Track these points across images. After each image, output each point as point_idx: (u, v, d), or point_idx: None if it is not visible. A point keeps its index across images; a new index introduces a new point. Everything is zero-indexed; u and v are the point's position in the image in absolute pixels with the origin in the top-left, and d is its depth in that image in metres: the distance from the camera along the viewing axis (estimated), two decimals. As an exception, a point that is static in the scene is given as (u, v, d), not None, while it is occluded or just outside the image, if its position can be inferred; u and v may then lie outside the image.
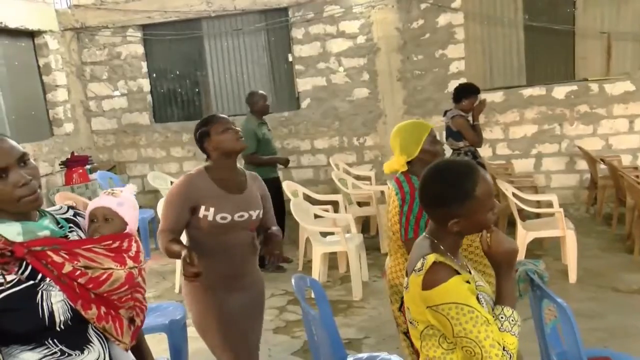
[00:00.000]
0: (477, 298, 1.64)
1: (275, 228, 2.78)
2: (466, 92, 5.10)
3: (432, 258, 1.64)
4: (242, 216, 2.61)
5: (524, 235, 4.94)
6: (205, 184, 2.60)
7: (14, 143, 1.55)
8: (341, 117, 7.52)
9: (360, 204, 6.63)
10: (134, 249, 1.73)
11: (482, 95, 5.06)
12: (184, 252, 2.30)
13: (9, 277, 1.49)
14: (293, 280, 2.90)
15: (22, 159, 1.54)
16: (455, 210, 1.66)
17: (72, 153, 7.01)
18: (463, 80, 6.88)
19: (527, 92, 7.05)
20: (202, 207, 2.55)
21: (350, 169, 7.32)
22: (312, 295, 3.31)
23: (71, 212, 1.76)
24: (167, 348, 3.40)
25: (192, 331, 4.04)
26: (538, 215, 5.85)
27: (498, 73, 7.25)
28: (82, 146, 7.78)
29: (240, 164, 2.88)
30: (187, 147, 7.86)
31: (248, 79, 7.78)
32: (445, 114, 5.26)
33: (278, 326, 4.42)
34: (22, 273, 1.51)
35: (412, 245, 2.44)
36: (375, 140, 7.51)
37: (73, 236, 1.68)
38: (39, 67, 7.34)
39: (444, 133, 5.26)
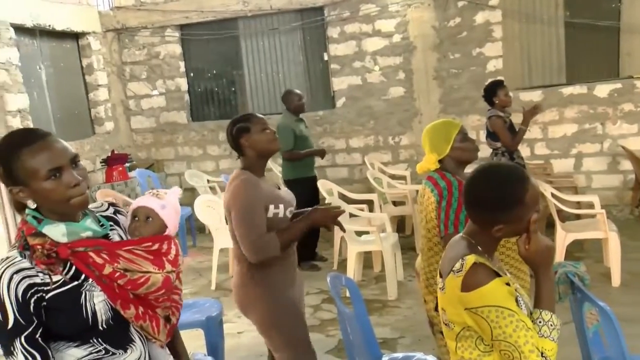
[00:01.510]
0: (517, 301, 1.61)
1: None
2: (493, 89, 4.98)
3: (472, 259, 1.61)
4: (291, 210, 2.69)
5: (564, 237, 4.83)
6: (261, 183, 2.61)
7: (65, 144, 1.59)
8: (376, 116, 7.48)
9: (395, 204, 6.60)
10: (173, 252, 1.75)
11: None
12: (319, 214, 2.40)
13: (54, 278, 1.52)
14: (328, 279, 2.89)
15: (74, 160, 1.57)
16: (502, 217, 1.62)
17: (112, 151, 7.15)
18: (500, 78, 6.77)
19: (567, 90, 6.89)
20: (272, 206, 2.56)
21: (385, 168, 7.28)
22: (347, 294, 3.30)
23: (112, 209, 1.78)
24: (204, 344, 3.44)
25: (228, 328, 4.09)
26: (578, 217, 5.71)
27: (536, 71, 7.11)
28: (122, 144, 7.94)
29: (275, 161, 2.91)
30: (223, 145, 7.93)
31: (283, 78, 7.81)
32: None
33: (313, 324, 4.42)
34: (67, 274, 1.54)
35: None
36: (410, 139, 7.45)
37: (113, 235, 1.70)
38: (82, 67, 7.52)
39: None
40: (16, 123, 5.78)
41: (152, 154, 8.26)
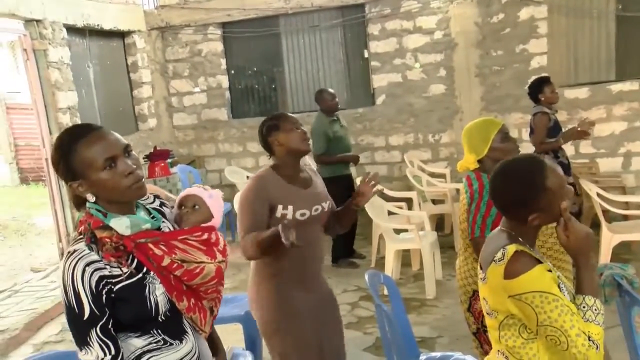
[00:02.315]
0: (559, 287, 1.62)
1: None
2: (539, 86, 4.85)
3: (513, 247, 1.64)
4: (317, 209, 2.60)
5: (610, 238, 4.70)
6: (277, 183, 2.56)
7: (117, 135, 1.65)
8: (416, 113, 7.43)
9: (434, 202, 6.55)
10: (221, 242, 1.81)
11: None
12: (280, 226, 2.18)
13: (123, 270, 1.58)
14: (367, 276, 2.90)
15: (127, 150, 1.62)
16: (532, 206, 1.65)
17: (155, 147, 7.30)
18: (546, 75, 6.62)
19: (617, 87, 6.69)
20: (280, 206, 2.50)
21: (424, 166, 7.24)
22: (385, 292, 3.30)
23: (157, 202, 1.83)
24: (242, 338, 3.48)
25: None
26: (626, 218, 5.55)
27: (583, 68, 6.93)
28: (164, 140, 8.10)
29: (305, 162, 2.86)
30: (263, 142, 8.00)
31: (324, 75, 7.83)
32: None
33: (350, 322, 4.44)
34: (130, 265, 1.60)
35: (478, 245, 2.40)
36: (451, 137, 7.38)
37: (164, 227, 1.75)
38: (127, 65, 7.71)
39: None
40: (66, 120, 5.97)
41: (193, 150, 8.40)
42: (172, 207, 1.88)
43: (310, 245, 2.58)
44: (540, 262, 1.62)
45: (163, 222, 1.76)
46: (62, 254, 6.04)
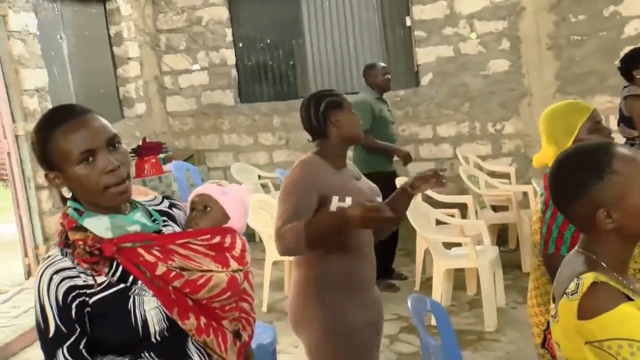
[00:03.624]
0: None
1: None
2: (634, 60, 4.78)
3: (590, 277, 1.57)
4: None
5: None
6: (328, 171, 2.68)
7: (104, 121, 1.68)
8: (472, 96, 7.39)
9: (495, 209, 6.52)
10: (238, 247, 1.83)
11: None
12: (366, 205, 2.34)
13: (99, 279, 1.61)
14: (409, 302, 2.90)
15: (112, 142, 1.65)
16: (596, 195, 1.59)
17: (144, 139, 7.37)
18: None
19: None
20: (336, 198, 2.59)
21: (483, 163, 7.20)
22: (433, 322, 3.27)
23: (166, 203, 1.88)
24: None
25: (282, 359, 4.14)
26: None
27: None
28: (156, 131, 8.18)
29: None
30: (278, 132, 8.04)
31: (354, 48, 7.82)
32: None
33: (388, 359, 4.41)
34: (113, 275, 1.63)
35: (551, 264, 2.35)
36: (516, 127, 7.32)
37: (167, 231, 1.78)
38: (109, 36, 7.79)
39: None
40: (33, 104, 6.05)
41: (192, 142, 8.47)
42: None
43: (364, 249, 2.72)
44: (629, 298, 1.55)
45: (166, 225, 1.79)
46: (29, 272, 6.15)
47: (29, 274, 6.17)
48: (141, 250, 1.65)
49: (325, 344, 2.66)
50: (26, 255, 6.19)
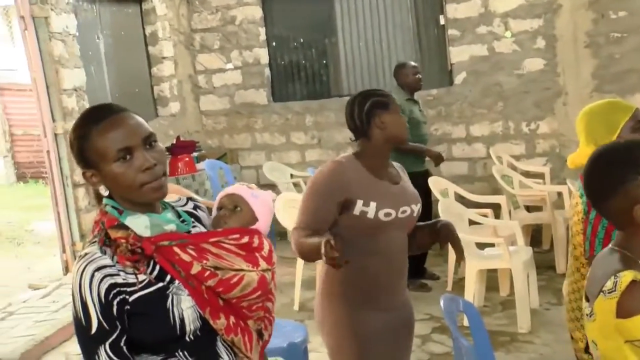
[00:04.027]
0: None
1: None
2: None
3: (629, 276, 1.58)
4: (404, 211, 2.65)
5: None
6: (359, 174, 2.64)
7: (140, 120, 1.71)
8: (506, 95, 7.33)
9: (529, 209, 6.49)
10: (266, 247, 1.85)
11: None
12: (325, 237, 2.25)
13: (140, 277, 1.64)
14: (442, 302, 2.90)
15: (149, 140, 1.68)
16: (633, 191, 1.61)
17: (178, 138, 7.44)
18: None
19: None
20: (360, 202, 2.57)
21: (517, 163, 7.16)
22: (465, 323, 3.27)
23: (191, 204, 1.91)
24: (285, 375, 3.53)
25: (314, 358, 4.16)
26: None
27: None
28: (189, 129, 8.25)
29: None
30: (310, 132, 8.07)
31: (387, 47, 7.82)
32: None
33: (420, 359, 4.42)
34: (151, 273, 1.66)
35: None
36: (551, 126, 7.24)
37: (195, 232, 1.81)
38: (145, 36, 7.89)
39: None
40: (71, 103, 6.17)
41: (225, 141, 8.53)
42: (207, 210, 1.96)
43: (393, 253, 2.67)
44: None
45: (195, 226, 1.82)
46: (67, 268, 6.27)
47: (66, 269, 6.29)
48: (177, 249, 1.67)
49: (347, 347, 2.65)
50: (64, 251, 6.29)
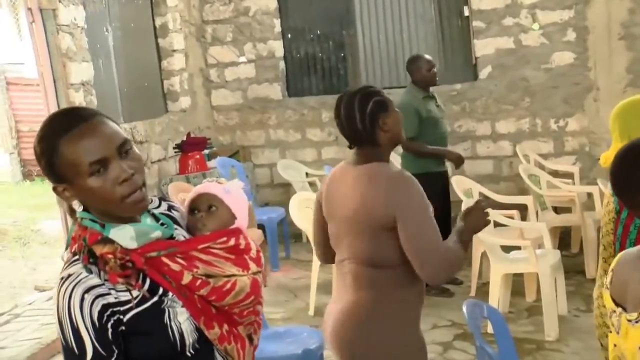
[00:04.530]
0: None
1: None
2: None
3: None
4: None
5: None
6: None
7: (114, 126, 1.63)
8: (534, 91, 7.30)
9: (557, 210, 6.46)
10: (253, 248, 1.83)
11: None
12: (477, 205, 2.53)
13: (133, 293, 1.60)
14: (465, 308, 2.90)
15: (124, 148, 1.61)
16: None
17: (188, 134, 7.47)
18: None
19: None
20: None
21: (544, 161, 7.13)
22: (489, 330, 3.25)
23: (165, 205, 1.86)
24: (299, 383, 3.53)
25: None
26: None
27: None
28: (200, 125, 8.28)
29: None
30: (327, 128, 8.06)
31: (409, 40, 7.80)
32: None
33: (441, 368, 4.43)
34: (142, 287, 1.62)
35: None
36: (581, 124, 7.20)
37: (178, 235, 1.77)
38: (154, 28, 7.93)
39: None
40: (79, 98, 6.20)
41: (237, 138, 8.55)
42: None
43: None
44: None
45: (176, 229, 1.78)
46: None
47: (71, 272, 6.32)
48: (165, 259, 1.63)
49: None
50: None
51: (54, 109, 6.09)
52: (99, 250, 1.58)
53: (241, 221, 1.88)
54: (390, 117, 2.63)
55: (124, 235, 1.60)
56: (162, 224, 1.73)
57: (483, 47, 7.43)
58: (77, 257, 1.60)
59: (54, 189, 1.64)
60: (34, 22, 6.04)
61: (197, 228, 1.82)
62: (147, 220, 1.69)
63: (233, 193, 1.90)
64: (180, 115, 7.97)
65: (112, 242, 1.59)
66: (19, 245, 8.62)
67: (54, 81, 6.08)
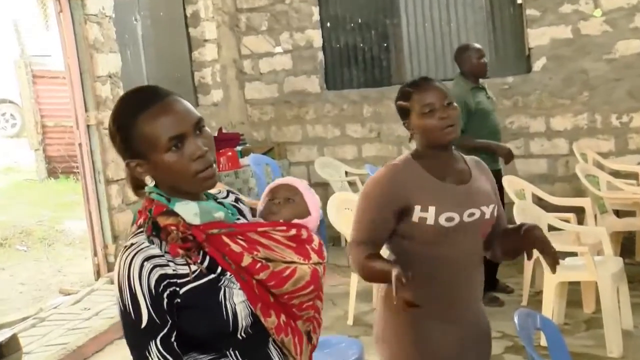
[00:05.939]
0: None
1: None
2: None
3: None
4: (472, 214, 2.61)
5: None
6: (416, 176, 2.63)
7: (189, 105, 1.76)
8: (593, 84, 7.21)
9: (619, 214, 6.39)
10: (316, 240, 1.90)
11: None
12: (395, 271, 2.28)
13: (192, 268, 1.69)
14: (516, 318, 2.87)
15: (198, 126, 1.73)
16: None
17: (220, 130, 7.53)
18: None
19: None
20: (417, 207, 2.55)
21: (604, 161, 7.05)
22: (543, 342, 3.21)
23: (232, 197, 1.96)
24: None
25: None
26: None
27: None
28: (233, 121, 8.33)
29: None
30: (368, 124, 8.05)
31: (457, 29, 7.77)
32: None
33: (490, 382, 4.39)
34: (201, 263, 1.71)
35: None
36: (646, 120, 7.11)
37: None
38: (185, 17, 7.99)
39: None
40: (105, 92, 6.28)
41: (272, 134, 8.59)
42: (252, 207, 2.03)
43: (460, 261, 2.64)
44: None
45: (239, 219, 1.86)
46: (98, 273, 6.41)
47: (97, 274, 6.41)
48: (226, 239, 1.72)
49: (403, 358, 2.68)
50: (95, 254, 6.41)
51: (79, 102, 6.20)
52: (163, 221, 1.69)
53: (313, 220, 2.00)
54: (413, 122, 2.73)
55: (189, 211, 1.70)
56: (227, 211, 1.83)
57: (537, 37, 7.36)
58: (141, 229, 1.72)
59: (127, 165, 1.75)
60: (61, 11, 6.15)
61: (272, 212, 1.97)
62: (212, 203, 1.80)
63: (313, 193, 2.06)
64: (211, 110, 8.03)
65: (176, 215, 1.70)
66: (43, 246, 8.77)
67: (80, 73, 6.17)
